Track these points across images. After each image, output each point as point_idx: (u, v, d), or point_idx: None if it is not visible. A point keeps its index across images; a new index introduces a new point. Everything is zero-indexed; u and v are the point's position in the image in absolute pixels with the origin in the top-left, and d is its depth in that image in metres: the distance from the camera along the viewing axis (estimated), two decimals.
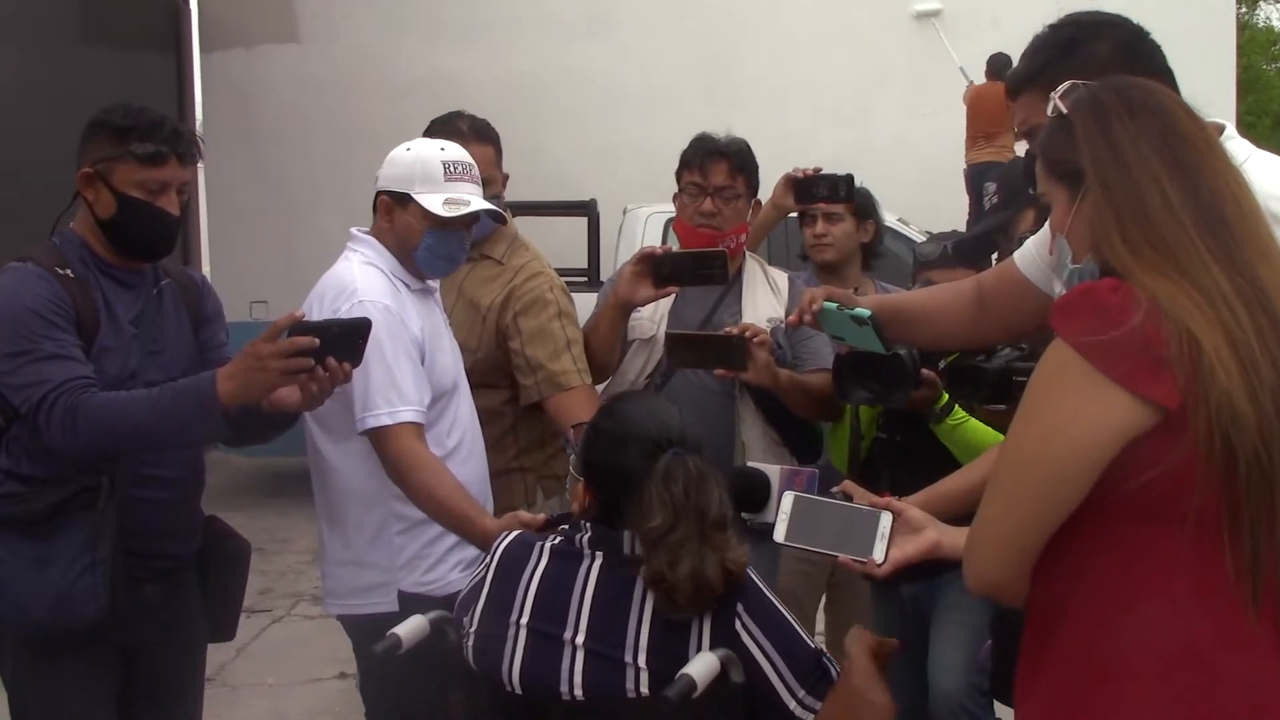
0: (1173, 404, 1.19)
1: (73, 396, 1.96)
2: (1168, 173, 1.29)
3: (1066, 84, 1.42)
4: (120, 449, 2.06)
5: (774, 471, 2.07)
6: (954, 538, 1.68)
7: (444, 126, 2.63)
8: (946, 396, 2.42)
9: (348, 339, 2.02)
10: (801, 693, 1.63)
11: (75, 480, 2.03)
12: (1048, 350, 1.29)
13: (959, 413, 2.43)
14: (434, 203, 2.28)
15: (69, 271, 2.08)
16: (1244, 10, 19.29)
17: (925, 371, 2.35)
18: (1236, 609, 1.23)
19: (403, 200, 2.32)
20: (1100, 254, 1.31)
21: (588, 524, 1.74)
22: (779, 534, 1.72)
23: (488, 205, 2.37)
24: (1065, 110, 1.39)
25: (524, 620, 1.68)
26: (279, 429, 2.24)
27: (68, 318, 2.03)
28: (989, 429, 2.42)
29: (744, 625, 1.64)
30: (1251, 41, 19.57)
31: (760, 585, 1.68)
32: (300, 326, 1.97)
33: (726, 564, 1.61)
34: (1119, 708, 1.27)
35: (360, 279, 2.28)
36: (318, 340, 1.95)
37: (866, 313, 2.06)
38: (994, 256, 2.87)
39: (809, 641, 1.67)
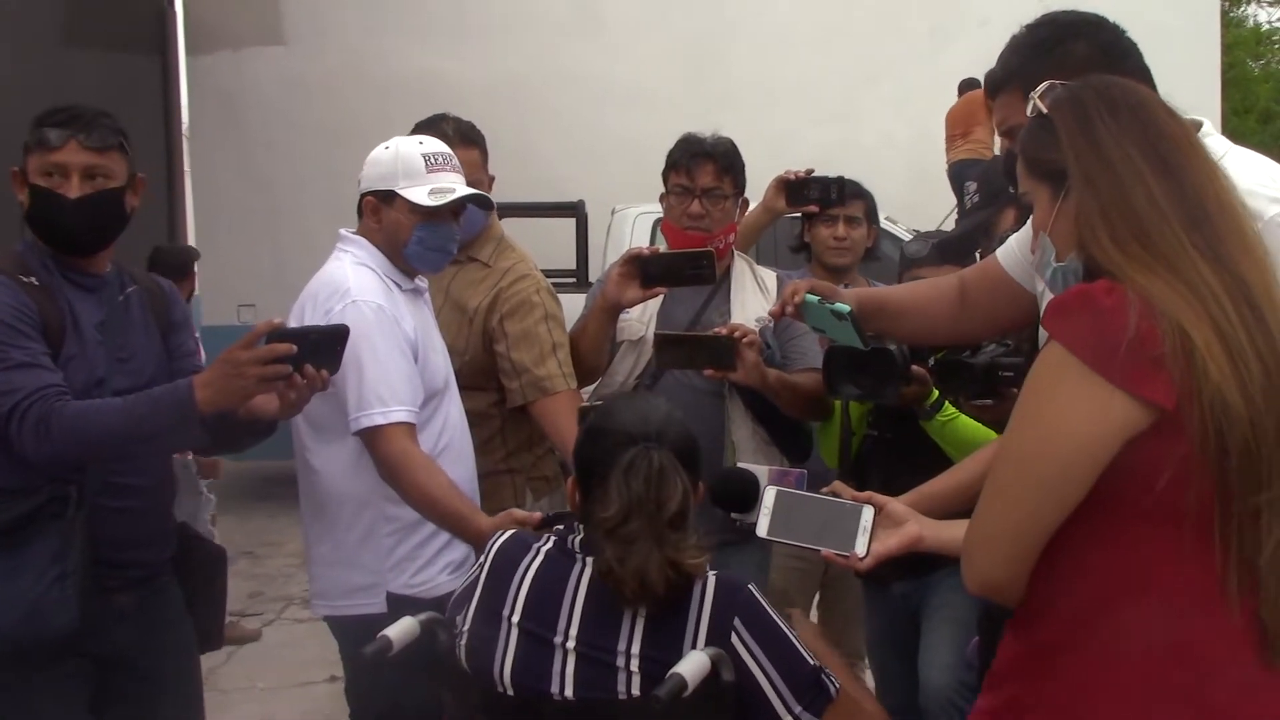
0: (1170, 404, 1.20)
1: (45, 405, 1.94)
2: (1151, 170, 1.30)
3: (1045, 84, 1.42)
4: (94, 456, 2.04)
5: (762, 472, 2.06)
6: (936, 531, 1.70)
7: (429, 129, 2.63)
8: (937, 393, 2.43)
9: (326, 346, 2.01)
10: (798, 708, 1.62)
11: (44, 491, 2.01)
12: (1043, 352, 1.29)
13: (949, 409, 2.44)
14: (419, 194, 2.29)
15: (34, 279, 2.06)
16: (1229, 6, 19.38)
17: (916, 368, 2.36)
18: (1227, 606, 1.24)
19: (388, 198, 2.32)
20: (1086, 251, 1.32)
21: (580, 525, 1.74)
22: (761, 528, 1.72)
23: (473, 191, 2.38)
24: (1045, 110, 1.40)
25: (515, 618, 1.68)
26: (257, 437, 2.22)
27: (34, 325, 2.01)
28: (979, 425, 2.42)
29: (740, 639, 1.63)
30: (1239, 41, 19.68)
31: (759, 599, 1.67)
32: (278, 333, 1.96)
33: (673, 563, 1.59)
34: (1111, 701, 1.28)
35: (353, 278, 2.28)
36: (295, 347, 1.95)
37: (846, 308, 2.06)
38: (977, 255, 2.87)
39: (808, 657, 1.66)
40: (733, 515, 2.02)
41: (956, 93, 8.51)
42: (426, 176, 2.31)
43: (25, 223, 2.09)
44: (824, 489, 1.85)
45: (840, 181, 2.97)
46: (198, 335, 2.54)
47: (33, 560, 1.98)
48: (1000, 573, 1.34)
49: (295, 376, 1.97)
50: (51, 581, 1.98)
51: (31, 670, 2.05)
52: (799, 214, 3.12)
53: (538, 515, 2.01)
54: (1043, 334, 1.37)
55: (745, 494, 2.02)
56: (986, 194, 2.70)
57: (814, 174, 3.01)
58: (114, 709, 2.20)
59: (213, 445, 2.13)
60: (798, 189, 2.98)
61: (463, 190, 2.34)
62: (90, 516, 2.05)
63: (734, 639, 1.62)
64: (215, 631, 2.42)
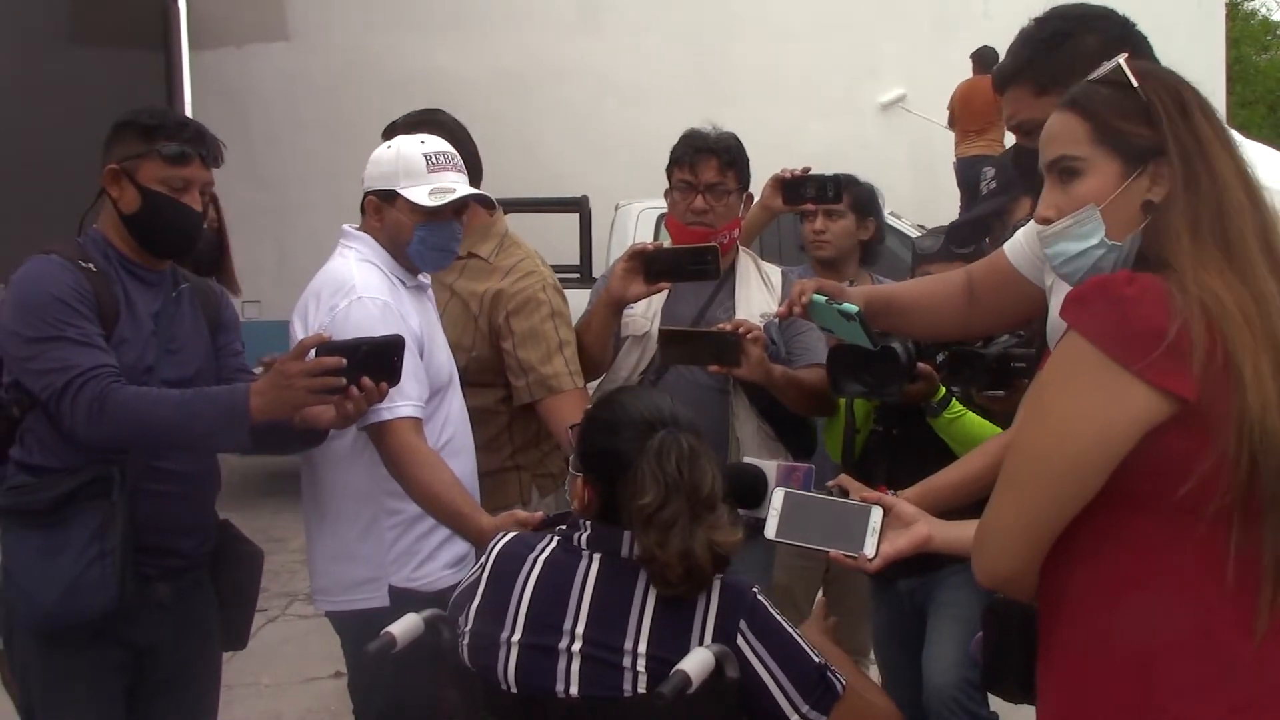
0: (1191, 395, 1.19)
1: (100, 384, 1.97)
2: (1239, 178, 1.30)
3: (1124, 55, 1.38)
4: (141, 442, 2.07)
5: (770, 467, 2.05)
6: (945, 531, 1.69)
7: (425, 128, 2.59)
8: (943, 390, 2.42)
9: (379, 358, 2.02)
10: (805, 707, 1.62)
11: (86, 471, 2.04)
12: (1061, 343, 1.28)
13: (956, 406, 2.43)
14: (420, 194, 2.29)
15: (91, 265, 2.11)
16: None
17: (921, 365, 2.35)
18: (1251, 602, 1.23)
19: (389, 197, 2.32)
20: (1157, 241, 1.29)
21: (587, 523, 1.73)
22: (769, 530, 1.72)
23: (473, 191, 2.38)
24: (1135, 82, 1.34)
25: (515, 638, 1.67)
26: (309, 443, 2.26)
27: (90, 306, 2.06)
28: (986, 422, 2.41)
29: (746, 640, 1.63)
30: (1246, 34, 19.65)
31: (763, 600, 1.67)
32: (327, 346, 1.98)
33: (714, 544, 1.61)
34: (1134, 693, 1.27)
35: (358, 275, 2.28)
36: (344, 361, 1.96)
37: (854, 308, 2.05)
38: (985, 242, 2.86)
39: (813, 655, 1.66)
40: (740, 510, 2.02)
41: (973, 66, 8.36)
42: (427, 176, 2.31)
43: (123, 220, 2.14)
44: (830, 482, 1.85)
45: (836, 179, 2.95)
46: None
47: (73, 539, 2.01)
48: (1009, 566, 1.33)
49: (351, 388, 1.99)
50: (91, 560, 2.01)
51: (72, 652, 2.08)
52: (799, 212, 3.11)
53: (539, 515, 2.01)
54: (1051, 328, 1.35)
55: (753, 489, 2.01)
56: (1003, 181, 2.67)
57: (810, 172, 3.00)
58: (145, 700, 2.22)
59: (256, 448, 2.16)
60: (794, 187, 2.97)
61: (464, 190, 2.33)
62: (131, 499, 2.07)
63: (739, 640, 1.62)
64: (242, 631, 2.43)
